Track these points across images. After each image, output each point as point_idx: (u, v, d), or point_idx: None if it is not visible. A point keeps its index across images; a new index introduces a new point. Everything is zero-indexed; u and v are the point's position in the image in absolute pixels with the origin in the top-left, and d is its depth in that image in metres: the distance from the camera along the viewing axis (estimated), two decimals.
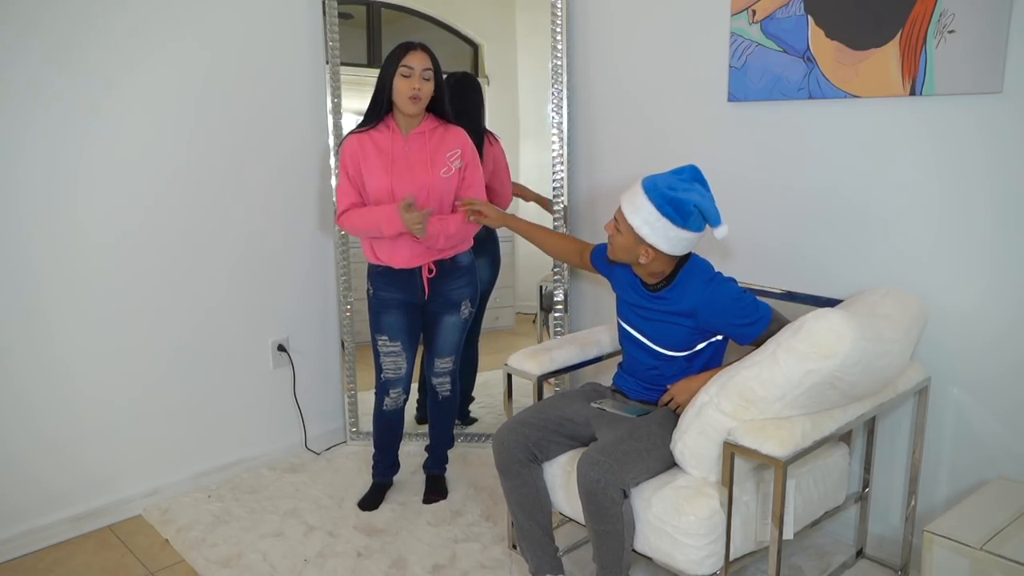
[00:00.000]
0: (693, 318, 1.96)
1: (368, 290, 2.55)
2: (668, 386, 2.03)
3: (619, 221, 1.96)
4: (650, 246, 1.90)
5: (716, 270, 2.01)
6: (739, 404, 1.74)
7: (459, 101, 2.63)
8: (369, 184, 2.40)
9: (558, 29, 2.85)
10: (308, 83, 2.93)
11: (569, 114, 2.92)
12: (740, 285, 2.00)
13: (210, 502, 2.72)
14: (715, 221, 1.87)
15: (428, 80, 2.34)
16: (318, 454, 3.09)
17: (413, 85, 2.31)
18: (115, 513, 2.62)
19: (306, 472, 2.94)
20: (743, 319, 1.92)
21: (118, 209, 2.53)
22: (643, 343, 2.07)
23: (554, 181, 2.93)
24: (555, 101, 2.90)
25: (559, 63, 2.86)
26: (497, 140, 2.91)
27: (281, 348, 3.00)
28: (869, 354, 1.69)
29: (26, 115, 2.31)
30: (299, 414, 3.10)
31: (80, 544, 2.49)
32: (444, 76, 2.47)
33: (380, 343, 2.55)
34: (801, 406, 1.73)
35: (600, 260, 2.25)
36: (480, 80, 3.04)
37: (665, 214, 1.86)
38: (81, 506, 2.55)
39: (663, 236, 1.88)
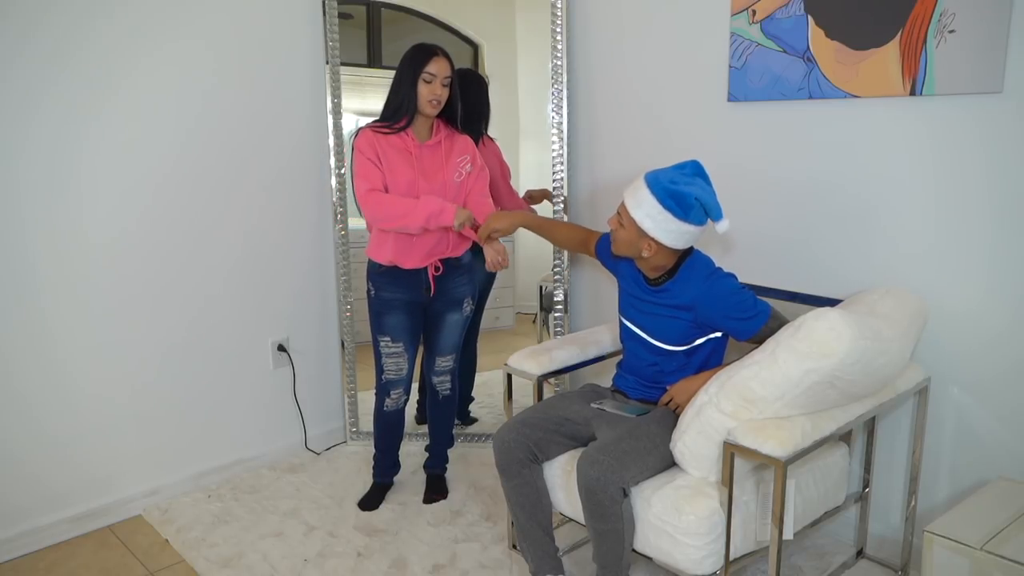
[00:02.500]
0: (692, 311, 1.97)
1: (369, 291, 2.55)
2: (667, 386, 2.03)
3: (622, 215, 1.97)
4: (652, 239, 1.92)
5: (717, 266, 2.02)
6: (739, 404, 1.74)
7: (463, 97, 2.65)
8: (392, 179, 2.39)
9: (558, 29, 2.85)
10: (308, 83, 2.93)
11: (569, 114, 2.92)
12: (740, 283, 2.01)
13: (210, 502, 2.72)
14: (716, 215, 1.88)
15: (447, 87, 2.38)
16: (318, 454, 3.09)
17: (435, 91, 2.35)
18: (115, 513, 2.62)
19: (306, 472, 2.94)
20: (740, 314, 1.92)
21: (118, 209, 2.53)
22: (643, 338, 2.07)
23: (554, 181, 2.93)
24: (555, 101, 2.90)
25: (559, 63, 2.86)
26: (492, 141, 2.91)
27: (281, 348, 3.00)
28: (868, 353, 1.69)
29: (26, 114, 2.31)
30: (299, 414, 3.11)
31: (80, 544, 2.49)
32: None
33: (382, 344, 2.55)
34: (801, 406, 1.73)
35: (605, 252, 2.24)
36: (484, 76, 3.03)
37: (667, 207, 1.87)
38: (81, 506, 2.55)
39: (665, 229, 1.89)
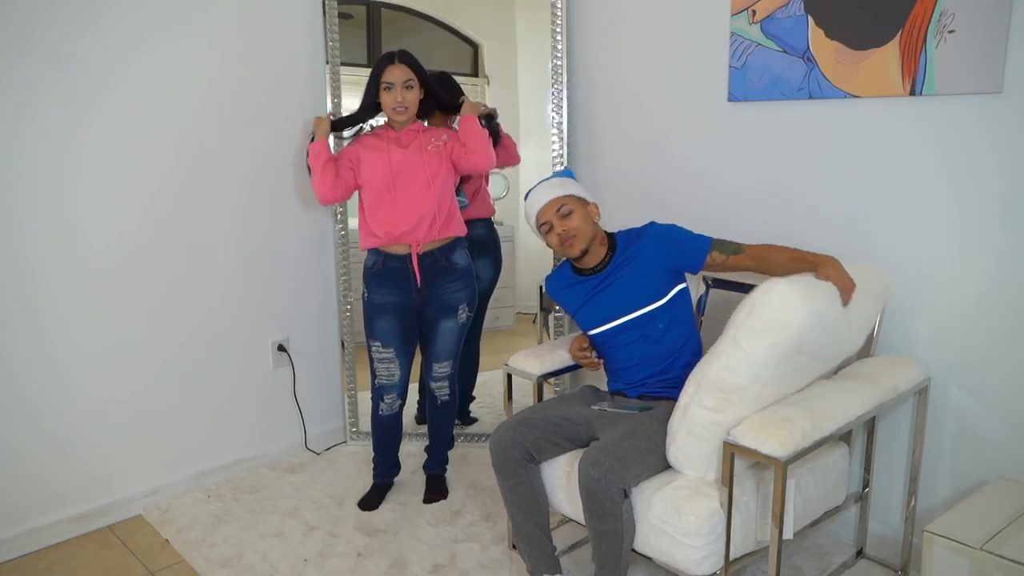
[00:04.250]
0: (645, 256, 2.08)
1: (363, 293, 2.56)
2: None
3: (562, 206, 2.10)
4: (590, 201, 2.16)
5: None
6: (718, 397, 1.75)
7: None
8: (365, 168, 2.44)
9: (558, 29, 2.85)
10: (308, 83, 2.93)
11: (569, 114, 2.92)
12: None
13: (210, 502, 2.72)
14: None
15: (411, 89, 2.39)
16: (318, 454, 3.09)
17: (396, 98, 2.38)
18: (115, 513, 2.62)
19: (306, 472, 2.94)
20: (684, 235, 2.09)
21: (118, 209, 2.53)
22: (623, 324, 2.11)
23: None
24: (555, 101, 2.90)
25: (559, 63, 2.87)
26: None
27: (281, 348, 3.00)
28: (823, 315, 1.74)
29: (24, 115, 2.31)
30: (299, 414, 3.10)
31: (80, 544, 2.49)
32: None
33: (373, 349, 2.55)
34: (778, 380, 1.76)
35: (555, 289, 2.28)
36: (456, 78, 3.00)
37: (571, 176, 2.24)
38: (81, 506, 2.55)
39: (585, 190, 2.20)
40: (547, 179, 2.21)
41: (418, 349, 2.69)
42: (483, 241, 2.88)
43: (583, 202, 2.14)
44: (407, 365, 2.60)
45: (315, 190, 2.44)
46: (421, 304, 2.54)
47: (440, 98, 2.51)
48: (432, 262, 2.50)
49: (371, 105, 2.45)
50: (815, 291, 1.76)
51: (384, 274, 2.49)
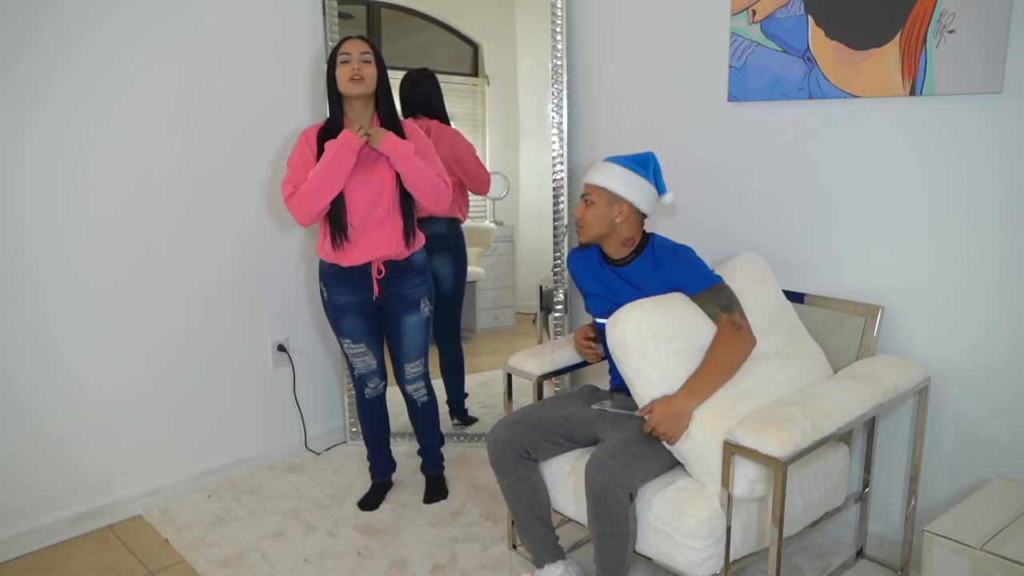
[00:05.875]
0: (659, 274, 2.04)
1: (321, 292, 2.51)
2: (644, 414, 1.93)
3: (589, 194, 2.07)
4: (623, 201, 2.03)
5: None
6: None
7: (418, 93, 2.81)
8: None
9: (558, 29, 2.85)
10: (308, 83, 2.93)
11: (569, 114, 2.92)
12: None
13: (210, 502, 2.72)
14: (662, 188, 2.11)
15: (369, 63, 2.31)
16: (318, 454, 3.09)
17: (353, 67, 2.28)
18: (115, 513, 2.62)
19: (306, 472, 2.94)
20: (696, 270, 2.01)
21: (117, 210, 2.53)
22: None
23: (554, 181, 2.93)
24: (555, 101, 2.90)
25: (559, 63, 2.86)
26: (447, 126, 2.88)
27: (281, 348, 3.00)
28: (661, 312, 1.90)
29: (23, 116, 2.31)
30: (299, 414, 3.11)
31: (80, 544, 2.49)
32: (405, 75, 2.57)
33: (345, 345, 2.55)
34: (682, 352, 1.86)
35: (576, 264, 2.26)
36: (437, 74, 2.94)
37: (630, 168, 2.06)
38: (81, 506, 2.55)
39: (635, 187, 2.05)
40: (618, 159, 2.09)
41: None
42: (443, 238, 2.83)
43: (613, 197, 2.03)
44: (380, 354, 2.60)
45: (312, 205, 2.29)
46: (382, 302, 2.50)
47: (389, 98, 2.38)
48: (392, 265, 2.46)
49: (336, 96, 2.34)
50: (641, 306, 1.91)
51: (342, 274, 2.44)
